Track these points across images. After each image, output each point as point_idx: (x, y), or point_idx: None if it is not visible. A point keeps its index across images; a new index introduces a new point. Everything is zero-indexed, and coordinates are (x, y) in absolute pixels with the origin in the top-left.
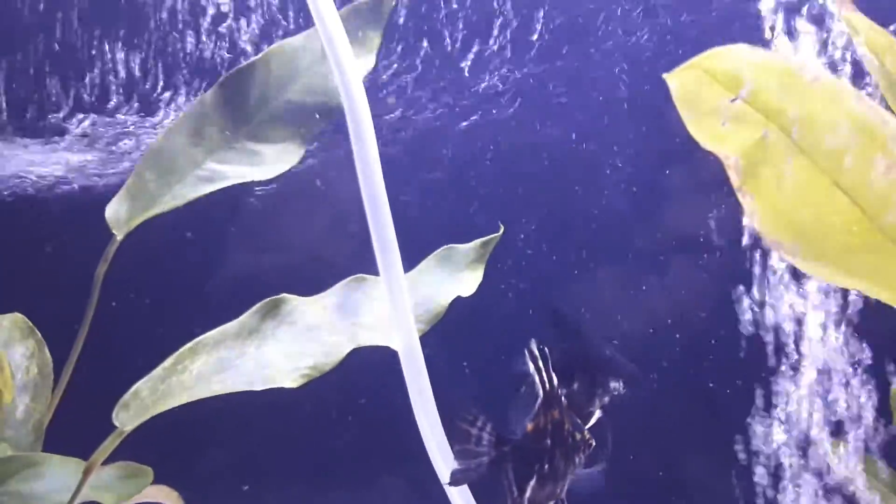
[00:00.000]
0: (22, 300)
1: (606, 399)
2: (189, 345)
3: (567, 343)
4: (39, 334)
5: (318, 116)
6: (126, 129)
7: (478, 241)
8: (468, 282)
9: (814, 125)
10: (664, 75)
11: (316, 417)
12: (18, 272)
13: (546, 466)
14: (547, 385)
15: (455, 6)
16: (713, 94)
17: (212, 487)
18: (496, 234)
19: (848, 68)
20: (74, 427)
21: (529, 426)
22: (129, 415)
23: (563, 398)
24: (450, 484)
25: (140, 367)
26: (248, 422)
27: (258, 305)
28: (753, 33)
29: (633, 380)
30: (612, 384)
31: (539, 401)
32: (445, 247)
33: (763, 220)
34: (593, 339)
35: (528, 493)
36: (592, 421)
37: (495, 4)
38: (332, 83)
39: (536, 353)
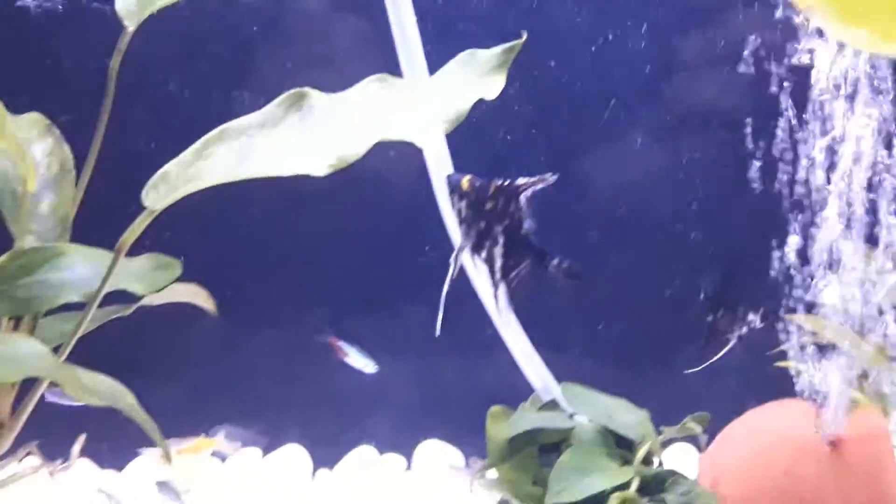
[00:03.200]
0: (37, 99)
1: (742, 330)
2: (215, 131)
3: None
4: (58, 131)
5: None
6: None
7: (501, 47)
8: (491, 86)
9: None
10: None
11: (341, 212)
12: (34, 72)
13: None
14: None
15: None
16: None
17: (241, 287)
18: (519, 41)
19: None
20: (99, 221)
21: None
22: (158, 195)
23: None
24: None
25: (161, 159)
26: (274, 218)
27: (283, 97)
28: None
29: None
30: (751, 318)
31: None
32: (468, 51)
33: None
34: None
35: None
36: (726, 349)
37: None
38: None
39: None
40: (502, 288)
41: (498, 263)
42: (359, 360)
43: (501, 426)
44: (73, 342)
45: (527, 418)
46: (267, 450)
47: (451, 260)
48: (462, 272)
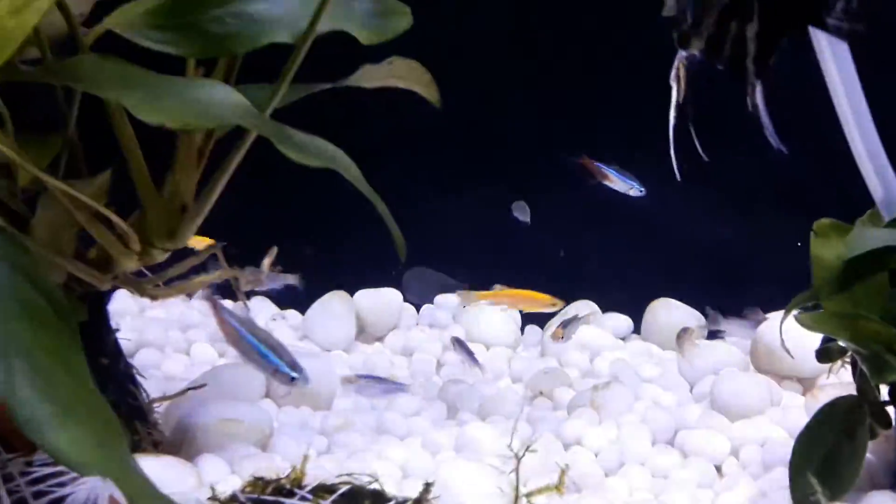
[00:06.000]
0: None
1: None
2: None
3: None
4: None
5: None
6: None
7: None
8: None
9: None
10: None
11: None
12: None
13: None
14: None
15: None
16: None
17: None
18: None
19: None
20: None
21: None
22: None
23: None
24: None
25: None
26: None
27: None
28: None
29: None
30: None
31: None
32: None
33: None
34: None
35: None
36: None
37: None
38: None
39: None
40: (759, 89)
41: (752, 51)
42: (620, 183)
43: (833, 245)
44: (273, 105)
45: (874, 235)
46: None
47: (672, 79)
48: None
